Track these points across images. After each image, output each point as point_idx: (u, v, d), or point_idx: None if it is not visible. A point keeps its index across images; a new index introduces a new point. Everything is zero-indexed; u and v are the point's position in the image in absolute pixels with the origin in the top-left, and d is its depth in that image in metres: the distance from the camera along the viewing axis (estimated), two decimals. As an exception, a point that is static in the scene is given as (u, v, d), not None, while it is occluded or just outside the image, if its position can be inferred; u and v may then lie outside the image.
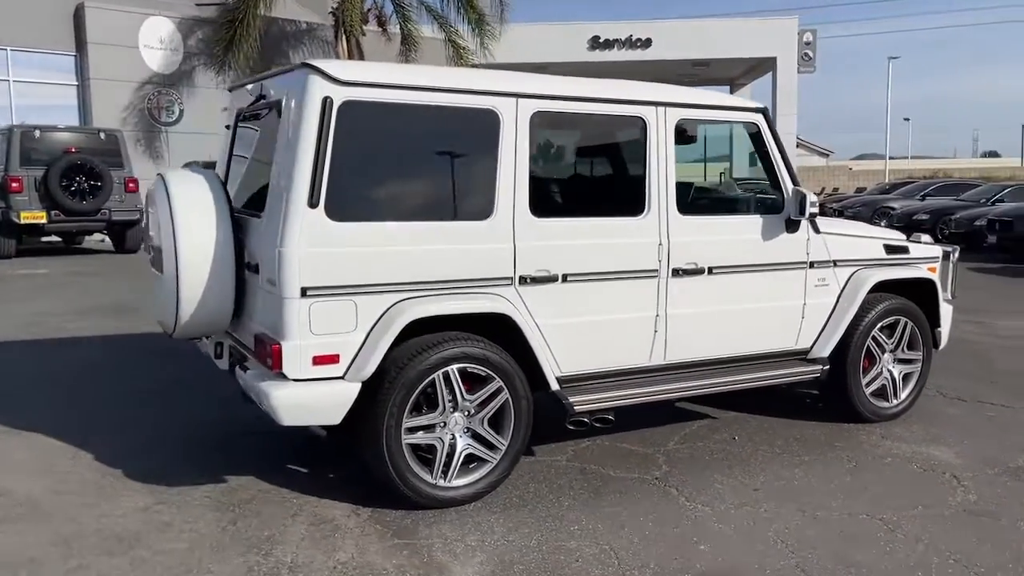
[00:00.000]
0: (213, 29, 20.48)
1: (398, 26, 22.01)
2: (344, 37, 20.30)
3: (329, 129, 3.71)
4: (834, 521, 3.94)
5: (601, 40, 31.77)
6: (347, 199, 3.77)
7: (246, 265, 4.12)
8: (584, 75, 5.22)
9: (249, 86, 4.34)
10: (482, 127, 4.10)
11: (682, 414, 5.60)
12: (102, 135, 15.91)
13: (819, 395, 5.60)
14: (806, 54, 31.80)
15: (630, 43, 31.70)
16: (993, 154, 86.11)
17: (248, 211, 4.18)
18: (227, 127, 4.90)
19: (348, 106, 3.76)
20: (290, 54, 22.75)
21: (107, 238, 16.66)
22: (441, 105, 3.99)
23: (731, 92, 37.14)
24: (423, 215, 3.99)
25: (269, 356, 3.74)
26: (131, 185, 15.60)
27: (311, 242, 3.69)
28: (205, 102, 20.88)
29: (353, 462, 4.61)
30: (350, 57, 20.72)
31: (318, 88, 3.72)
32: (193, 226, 4.04)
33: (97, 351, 7.49)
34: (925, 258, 5.70)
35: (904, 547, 3.67)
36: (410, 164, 4.10)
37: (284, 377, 3.75)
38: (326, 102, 3.72)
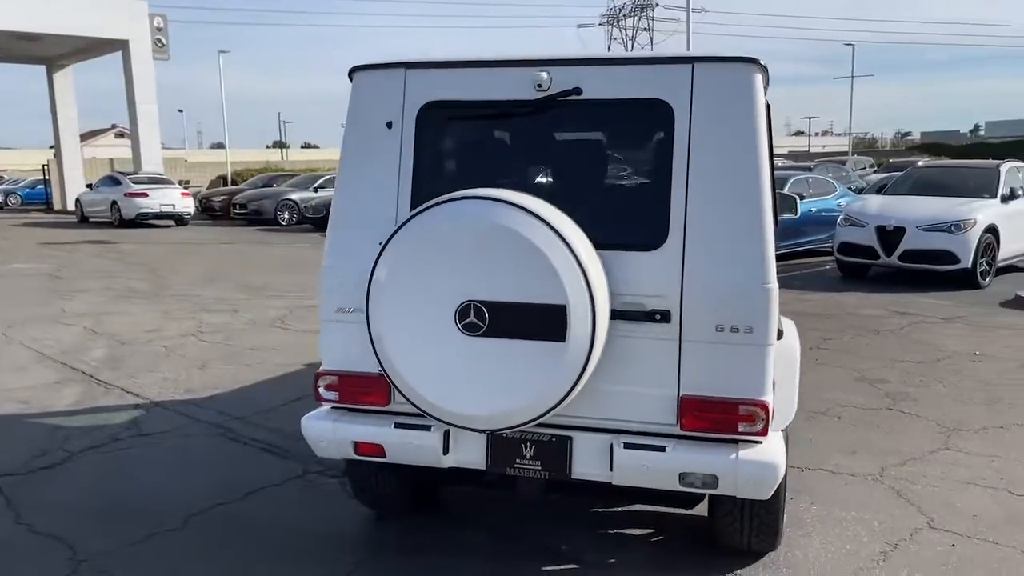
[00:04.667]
0: None
1: None
2: None
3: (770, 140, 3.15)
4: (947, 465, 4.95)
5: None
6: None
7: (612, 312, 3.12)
8: None
9: (541, 74, 3.14)
10: None
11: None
12: None
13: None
14: (159, 40, 30.37)
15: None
16: (220, 145, 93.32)
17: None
18: (388, 125, 3.36)
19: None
20: None
21: None
22: None
23: (50, 74, 33.09)
24: None
25: (748, 420, 3.03)
26: None
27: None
28: None
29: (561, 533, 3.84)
30: None
31: (761, 90, 3.11)
32: (597, 272, 2.92)
33: None
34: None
35: None
36: None
37: (752, 444, 3.08)
38: (769, 110, 3.14)
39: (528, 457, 3.27)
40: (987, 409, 5.88)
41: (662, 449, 3.10)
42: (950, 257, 11.16)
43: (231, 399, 6.16)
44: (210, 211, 27.14)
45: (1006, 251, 11.78)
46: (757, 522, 3.47)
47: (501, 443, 3.28)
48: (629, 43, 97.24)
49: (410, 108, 3.36)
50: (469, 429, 3.13)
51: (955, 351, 7.62)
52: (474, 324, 2.95)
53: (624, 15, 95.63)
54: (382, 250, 3.04)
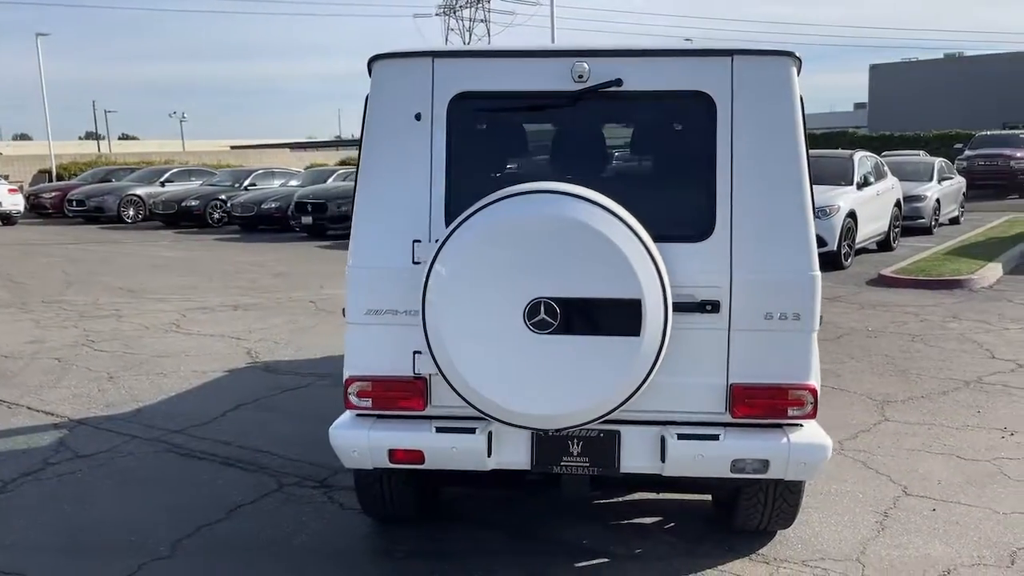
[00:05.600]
0: None
1: None
2: None
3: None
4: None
5: None
6: None
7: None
8: None
9: (583, 64, 3.09)
10: None
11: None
12: None
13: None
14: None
15: None
16: (25, 136, 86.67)
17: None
18: (416, 116, 3.19)
19: None
20: None
21: None
22: None
23: None
24: None
25: (798, 404, 3.14)
26: None
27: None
28: None
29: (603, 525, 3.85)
30: None
31: (797, 82, 3.20)
32: (663, 265, 2.91)
33: None
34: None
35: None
36: None
37: (797, 427, 3.19)
38: (802, 102, 3.23)
39: (575, 454, 3.23)
40: (902, 380, 6.36)
41: (716, 438, 3.15)
42: (819, 241, 11.87)
43: (160, 411, 5.71)
44: (40, 209, 25.00)
45: (862, 234, 12.75)
46: (780, 503, 3.59)
47: (546, 442, 3.23)
48: (467, 35, 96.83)
49: (440, 99, 3.23)
50: (533, 429, 3.06)
51: (850, 328, 8.19)
52: (545, 322, 2.88)
53: (461, 6, 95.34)
54: (440, 247, 2.91)
